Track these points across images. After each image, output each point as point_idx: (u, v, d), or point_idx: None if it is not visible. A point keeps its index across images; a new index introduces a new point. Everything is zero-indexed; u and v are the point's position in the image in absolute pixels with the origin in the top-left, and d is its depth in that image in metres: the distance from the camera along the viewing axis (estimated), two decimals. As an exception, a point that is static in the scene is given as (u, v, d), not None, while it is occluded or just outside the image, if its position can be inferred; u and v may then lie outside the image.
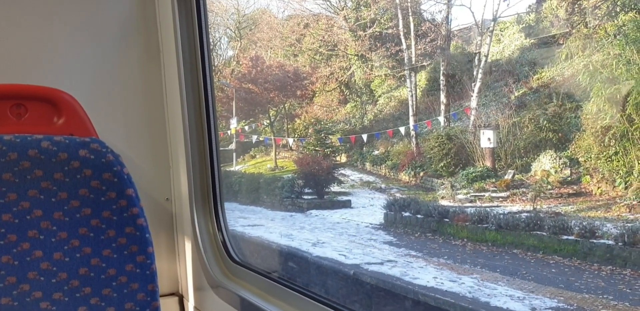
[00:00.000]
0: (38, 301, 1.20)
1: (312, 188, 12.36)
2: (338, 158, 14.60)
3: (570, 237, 7.63)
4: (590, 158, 9.39)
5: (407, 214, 9.60)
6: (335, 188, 12.62)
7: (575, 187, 9.71)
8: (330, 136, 15.11)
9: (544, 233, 7.89)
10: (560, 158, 10.43)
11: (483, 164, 11.34)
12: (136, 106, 1.86)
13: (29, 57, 1.69)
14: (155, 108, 1.86)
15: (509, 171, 10.90)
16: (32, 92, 1.31)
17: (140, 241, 1.29)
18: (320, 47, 19.29)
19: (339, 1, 19.48)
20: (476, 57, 13.77)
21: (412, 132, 13.50)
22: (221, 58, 21.35)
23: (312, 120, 16.47)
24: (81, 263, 1.24)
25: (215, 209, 1.84)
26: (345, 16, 18.63)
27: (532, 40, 14.88)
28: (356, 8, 18.71)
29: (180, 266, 1.92)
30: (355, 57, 18.47)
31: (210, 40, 2.42)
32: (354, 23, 18.27)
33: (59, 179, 1.23)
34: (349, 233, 9.76)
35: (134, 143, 1.84)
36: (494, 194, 10.04)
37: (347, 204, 11.91)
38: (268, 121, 18.06)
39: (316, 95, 18.99)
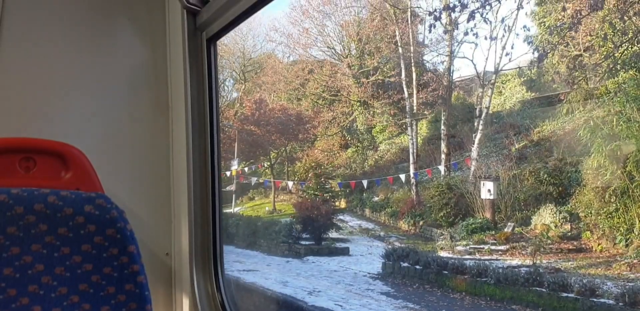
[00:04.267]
0: None
1: (310, 233, 12.21)
2: (337, 203, 14.51)
3: (570, 294, 7.47)
4: (591, 213, 9.34)
5: (405, 264, 9.44)
6: (333, 234, 12.47)
7: (575, 242, 9.61)
8: (330, 181, 15.09)
9: (544, 289, 7.74)
10: (560, 212, 10.38)
11: (483, 215, 11.28)
12: (142, 159, 1.86)
13: (39, 110, 1.69)
14: (160, 162, 1.86)
15: (509, 223, 10.82)
16: (41, 146, 1.32)
17: (140, 298, 1.26)
18: (323, 92, 19.59)
19: (344, 49, 19.94)
20: (477, 108, 13.96)
21: (413, 180, 13.48)
22: (225, 99, 21.65)
23: (313, 164, 16.50)
24: None
25: (215, 267, 1.81)
26: (349, 63, 19.01)
27: (533, 94, 15.13)
28: (360, 56, 19.12)
29: None
30: (358, 103, 18.72)
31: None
32: (358, 70, 18.62)
33: (62, 234, 1.22)
34: (346, 282, 9.56)
35: (137, 196, 1.83)
36: (493, 247, 9.92)
37: (345, 252, 11.73)
38: (268, 163, 18.09)
39: (317, 139, 19.12)
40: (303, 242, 12.13)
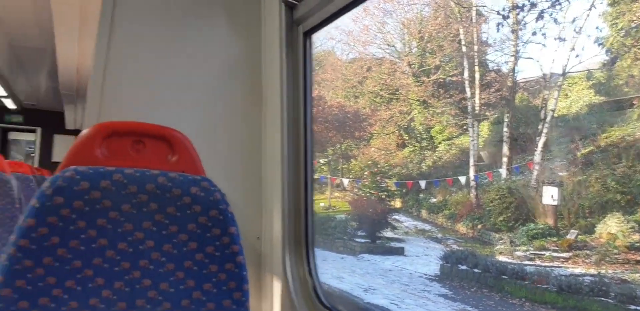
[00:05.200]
0: None
1: (365, 231, 12.21)
2: (393, 203, 14.43)
3: (638, 307, 7.17)
4: (662, 224, 8.92)
5: (463, 267, 9.31)
6: (388, 233, 12.41)
7: (644, 254, 9.20)
8: (387, 180, 15.01)
9: (610, 300, 7.45)
10: (628, 222, 9.95)
11: (544, 221, 10.94)
12: (235, 147, 1.93)
13: (149, 98, 1.80)
14: (252, 151, 1.92)
15: (572, 230, 10.46)
16: (151, 130, 1.39)
17: (239, 278, 1.31)
18: (381, 90, 19.49)
19: (404, 47, 19.78)
20: (542, 111, 13.54)
21: (473, 183, 13.23)
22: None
23: (369, 162, 16.45)
24: (184, 295, 1.28)
25: (307, 253, 1.85)
26: (409, 62, 18.84)
27: (602, 98, 14.53)
28: (421, 54, 18.90)
29: (265, 306, 1.92)
30: (417, 102, 18.51)
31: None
32: (418, 69, 18.42)
33: (171, 213, 1.28)
34: (401, 282, 9.51)
35: (230, 182, 1.90)
36: (555, 254, 9.63)
37: (400, 252, 11.66)
38: (325, 160, 18.19)
39: (373, 137, 19.05)
40: (358, 239, 12.15)
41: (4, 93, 8.68)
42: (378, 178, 14.52)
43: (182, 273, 1.28)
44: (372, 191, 13.79)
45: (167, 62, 1.87)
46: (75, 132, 11.01)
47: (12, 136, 10.83)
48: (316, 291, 1.81)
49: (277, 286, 1.83)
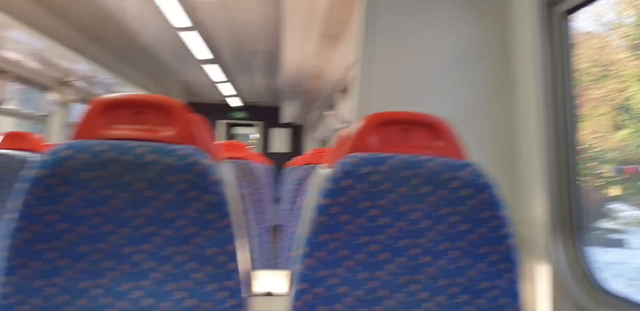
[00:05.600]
0: (423, 301, 1.37)
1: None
2: (609, 190, 13.09)
3: None
4: None
5: None
6: (606, 224, 11.31)
7: None
8: (601, 166, 13.66)
9: None
10: None
11: None
12: (483, 130, 1.98)
13: (403, 86, 1.95)
14: (501, 136, 1.96)
15: None
16: (417, 118, 1.50)
17: (510, 260, 1.37)
18: (591, 67, 17.69)
19: (618, 17, 17.64)
20: None
21: None
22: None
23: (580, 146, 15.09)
24: (459, 273, 1.37)
25: (575, 237, 1.84)
26: (623, 34, 16.78)
27: None
28: (639, 24, 16.72)
29: (531, 289, 1.95)
30: (635, 78, 16.45)
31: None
32: (634, 40, 16.32)
33: (443, 196, 1.38)
34: (627, 276, 8.63)
35: (482, 164, 1.96)
36: None
37: (619, 244, 10.56)
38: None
39: (584, 119, 17.42)
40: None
41: (233, 92, 9.84)
42: (591, 163, 13.28)
43: (457, 252, 1.37)
44: (584, 178, 12.65)
45: (420, 52, 1.99)
46: (289, 125, 12.01)
47: (236, 130, 12.16)
48: (588, 277, 1.79)
49: (543, 270, 1.85)
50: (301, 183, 3.75)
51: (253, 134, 12.23)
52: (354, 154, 1.43)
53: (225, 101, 11.06)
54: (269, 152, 11.73)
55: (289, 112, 10.37)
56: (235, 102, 11.23)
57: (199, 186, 1.34)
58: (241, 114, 11.92)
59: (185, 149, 1.37)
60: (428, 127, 1.51)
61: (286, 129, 12.05)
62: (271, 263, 3.45)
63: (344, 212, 1.37)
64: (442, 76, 2.02)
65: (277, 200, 6.14)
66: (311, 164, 3.77)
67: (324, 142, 9.10)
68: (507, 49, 2.02)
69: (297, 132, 12.21)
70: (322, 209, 1.37)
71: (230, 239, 1.36)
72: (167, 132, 1.44)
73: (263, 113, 11.93)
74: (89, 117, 1.43)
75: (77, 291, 1.33)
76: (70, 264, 1.33)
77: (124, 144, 1.37)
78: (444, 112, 1.63)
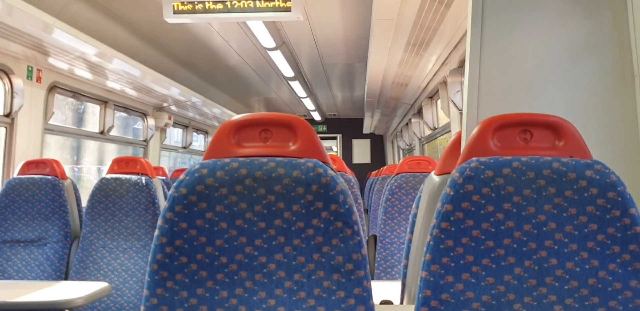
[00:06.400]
0: (552, 304, 1.33)
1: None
2: None
3: None
4: None
5: None
6: None
7: None
8: None
9: None
10: None
11: None
12: (605, 127, 1.91)
13: (517, 86, 1.93)
14: (625, 132, 1.88)
15: None
16: (538, 120, 1.48)
17: None
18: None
19: None
20: None
21: None
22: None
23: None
24: (590, 274, 1.32)
25: None
26: None
27: None
28: None
29: None
30: None
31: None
32: None
33: (569, 196, 1.34)
34: None
35: (609, 161, 1.88)
36: None
37: None
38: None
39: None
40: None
41: (313, 107, 10.03)
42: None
43: (586, 253, 1.33)
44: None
45: (531, 50, 1.95)
46: (370, 136, 12.03)
47: (317, 143, 12.34)
48: None
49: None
50: (396, 192, 3.74)
51: (333, 146, 12.38)
52: (475, 159, 1.43)
53: (305, 115, 11.30)
54: (353, 163, 11.81)
55: (368, 123, 10.41)
56: (315, 116, 11.43)
57: (325, 197, 1.39)
58: (321, 128, 12.12)
59: (309, 162, 1.43)
60: (548, 128, 1.48)
61: (367, 140, 12.10)
62: (371, 273, 3.47)
63: (467, 217, 1.37)
64: (555, 74, 1.97)
65: (365, 211, 6.14)
66: (404, 173, 3.73)
67: (409, 150, 9.00)
68: (624, 42, 1.95)
69: (377, 142, 12.23)
70: (444, 216, 1.37)
71: (355, 248, 1.39)
72: (292, 147, 1.50)
73: (342, 125, 12.06)
74: (220, 138, 1.52)
75: (216, 301, 1.40)
76: (209, 276, 1.40)
77: (254, 160, 1.45)
78: (561, 112, 1.59)
